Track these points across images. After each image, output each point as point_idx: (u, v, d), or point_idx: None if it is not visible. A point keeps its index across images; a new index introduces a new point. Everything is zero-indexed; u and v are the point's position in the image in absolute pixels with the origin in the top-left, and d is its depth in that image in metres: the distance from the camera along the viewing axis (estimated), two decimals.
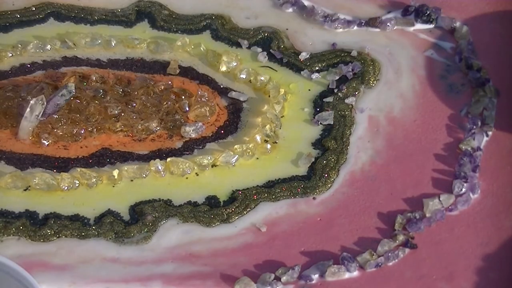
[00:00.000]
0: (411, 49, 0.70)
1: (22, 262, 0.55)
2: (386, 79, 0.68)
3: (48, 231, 0.58)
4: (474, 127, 0.64)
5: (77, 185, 0.61)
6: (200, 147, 0.64)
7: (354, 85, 0.67)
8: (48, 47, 0.70)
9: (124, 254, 0.58)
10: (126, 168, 0.61)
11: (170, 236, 0.59)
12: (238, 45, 0.70)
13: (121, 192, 0.61)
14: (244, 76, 0.68)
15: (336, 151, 0.63)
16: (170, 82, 0.67)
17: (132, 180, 0.62)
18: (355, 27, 0.71)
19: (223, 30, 0.71)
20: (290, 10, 0.72)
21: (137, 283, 0.56)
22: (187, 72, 0.69)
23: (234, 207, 0.60)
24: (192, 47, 0.70)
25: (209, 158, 0.62)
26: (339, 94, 0.67)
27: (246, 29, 0.71)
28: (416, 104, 0.66)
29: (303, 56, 0.69)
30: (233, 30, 0.71)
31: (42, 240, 0.58)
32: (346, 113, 0.65)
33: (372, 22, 0.71)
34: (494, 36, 0.70)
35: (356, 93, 0.67)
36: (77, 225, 0.59)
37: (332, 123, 0.65)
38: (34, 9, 0.73)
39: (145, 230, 0.59)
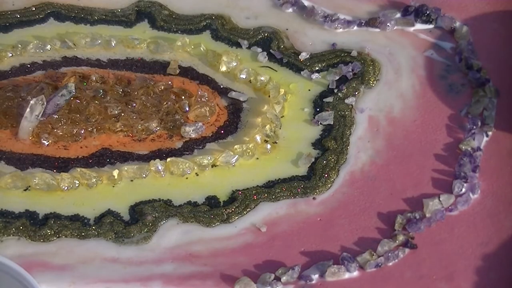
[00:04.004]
0: (411, 49, 0.70)
1: (22, 262, 0.55)
2: (386, 79, 0.68)
3: (48, 231, 0.58)
4: (474, 127, 0.64)
5: (77, 185, 0.61)
6: (200, 147, 0.64)
7: (354, 85, 0.67)
8: (48, 47, 0.70)
9: (124, 254, 0.58)
10: (126, 168, 0.61)
11: (170, 236, 0.59)
12: (238, 45, 0.70)
13: (121, 192, 0.61)
14: (244, 76, 0.68)
15: (336, 151, 0.63)
16: (170, 82, 0.67)
17: (132, 180, 0.62)
18: (355, 27, 0.71)
19: (223, 30, 0.71)
20: (290, 10, 0.72)
21: (137, 283, 0.56)
22: (187, 72, 0.69)
23: (234, 207, 0.60)
24: (192, 47, 0.70)
25: (209, 158, 0.62)
26: (339, 94, 0.67)
27: (246, 29, 0.71)
28: (416, 104, 0.66)
29: (303, 56, 0.69)
30: (233, 30, 0.71)
31: (42, 240, 0.58)
32: (346, 113, 0.65)
33: (372, 22, 0.71)
34: (494, 36, 0.70)
35: (356, 93, 0.67)
36: (77, 225, 0.59)
37: (332, 123, 0.65)
38: (34, 9, 0.73)
39: (145, 230, 0.59)
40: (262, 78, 0.67)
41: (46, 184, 0.61)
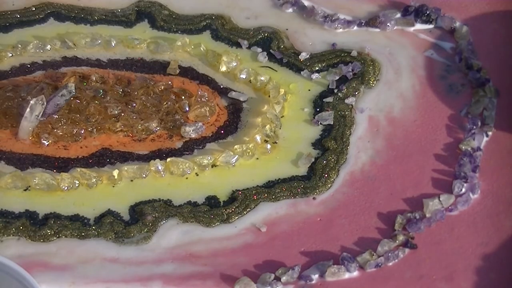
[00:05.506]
0: (411, 49, 0.70)
1: (22, 262, 0.55)
2: (386, 79, 0.68)
3: (48, 231, 0.58)
4: (474, 127, 0.64)
5: (77, 185, 0.61)
6: (200, 147, 0.64)
7: (354, 85, 0.67)
8: (48, 47, 0.70)
9: (124, 254, 0.58)
10: (126, 168, 0.61)
11: (170, 236, 0.59)
12: (238, 45, 0.70)
13: (121, 192, 0.61)
14: (244, 76, 0.68)
15: (336, 151, 0.63)
16: (170, 82, 0.67)
17: (132, 180, 0.62)
18: (355, 27, 0.71)
19: (223, 30, 0.71)
20: (290, 10, 0.73)
21: (137, 283, 0.56)
22: (187, 72, 0.69)
23: (234, 207, 0.60)
24: (192, 47, 0.70)
25: (209, 158, 0.62)
26: (339, 94, 0.67)
27: (246, 29, 0.71)
28: (416, 104, 0.66)
29: (303, 56, 0.69)
30: (233, 30, 0.71)
31: (42, 240, 0.58)
32: (346, 113, 0.65)
33: (372, 22, 0.71)
34: (494, 36, 0.70)
35: (356, 93, 0.67)
36: (77, 225, 0.59)
37: (332, 123, 0.65)
38: (34, 9, 0.73)
39: (145, 230, 0.59)
40: (262, 78, 0.67)
41: (46, 184, 0.61)
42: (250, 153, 0.63)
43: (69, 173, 0.62)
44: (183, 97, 0.66)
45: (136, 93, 0.66)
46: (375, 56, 0.69)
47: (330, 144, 0.63)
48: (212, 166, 0.62)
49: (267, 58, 0.69)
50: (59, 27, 0.72)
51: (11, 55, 0.69)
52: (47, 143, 0.64)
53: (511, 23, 0.71)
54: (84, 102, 0.65)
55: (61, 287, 0.56)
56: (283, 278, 0.56)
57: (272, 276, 0.56)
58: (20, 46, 0.70)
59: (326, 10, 0.72)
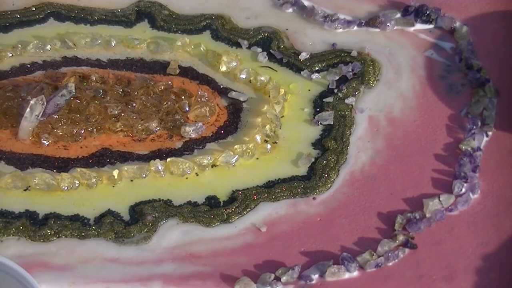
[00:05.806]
0: (411, 49, 0.70)
1: (22, 262, 0.55)
2: (386, 79, 0.68)
3: (48, 231, 0.58)
4: (474, 127, 0.64)
5: (77, 185, 0.61)
6: (200, 147, 0.64)
7: (354, 85, 0.67)
8: (48, 47, 0.70)
9: (124, 254, 0.58)
10: (126, 168, 0.61)
11: (170, 236, 0.59)
12: (238, 45, 0.70)
13: (121, 192, 0.61)
14: (244, 76, 0.68)
15: (336, 151, 0.63)
16: (170, 82, 0.67)
17: (132, 180, 0.62)
18: (355, 27, 0.71)
19: (223, 30, 0.71)
20: (290, 10, 0.73)
21: (137, 283, 0.56)
22: (187, 72, 0.69)
23: (234, 207, 0.60)
24: (192, 47, 0.70)
25: (209, 158, 0.62)
26: (339, 94, 0.67)
27: (246, 29, 0.71)
28: (416, 104, 0.66)
29: (303, 56, 0.69)
30: (233, 30, 0.71)
31: (42, 240, 0.58)
32: (346, 113, 0.65)
33: (372, 22, 0.71)
34: (494, 36, 0.70)
35: (356, 93, 0.67)
36: (77, 225, 0.59)
37: (332, 123, 0.65)
38: (34, 9, 0.73)
39: (145, 230, 0.59)
40: (262, 78, 0.67)
41: (46, 184, 0.61)
42: (250, 153, 0.63)
43: (69, 173, 0.62)
44: (183, 97, 0.66)
45: (136, 93, 0.66)
46: (375, 56, 0.69)
47: (330, 144, 0.63)
48: (212, 166, 0.62)
49: (267, 58, 0.69)
50: (59, 27, 0.72)
51: (11, 55, 0.69)
52: (47, 143, 0.64)
53: (511, 23, 0.71)
54: (84, 102, 0.65)
55: (61, 287, 0.56)
56: (283, 278, 0.56)
57: (272, 276, 0.56)
58: (20, 46, 0.70)
59: (326, 10, 0.72)
